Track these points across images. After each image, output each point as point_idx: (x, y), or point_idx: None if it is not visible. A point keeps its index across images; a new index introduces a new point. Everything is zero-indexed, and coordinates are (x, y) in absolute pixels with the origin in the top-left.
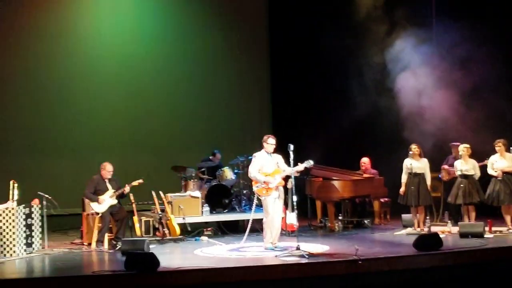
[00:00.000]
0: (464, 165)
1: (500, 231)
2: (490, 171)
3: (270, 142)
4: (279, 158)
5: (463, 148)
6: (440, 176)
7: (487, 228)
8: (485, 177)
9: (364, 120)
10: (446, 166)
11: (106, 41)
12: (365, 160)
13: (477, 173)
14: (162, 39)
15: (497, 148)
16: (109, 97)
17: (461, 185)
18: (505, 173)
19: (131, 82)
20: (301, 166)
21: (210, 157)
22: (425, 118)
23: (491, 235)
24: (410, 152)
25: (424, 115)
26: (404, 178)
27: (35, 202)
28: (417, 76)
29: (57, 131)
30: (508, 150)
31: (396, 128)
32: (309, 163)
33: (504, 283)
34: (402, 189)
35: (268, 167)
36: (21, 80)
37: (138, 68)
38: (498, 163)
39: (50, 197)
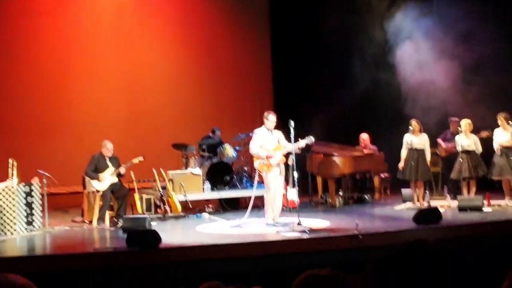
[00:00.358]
0: (466, 140)
1: (499, 205)
2: (494, 144)
3: (270, 118)
4: (279, 134)
5: (464, 124)
6: (437, 151)
7: (485, 202)
8: (487, 153)
9: (365, 96)
10: (442, 143)
11: (105, 18)
12: (364, 136)
13: (478, 148)
14: (162, 18)
15: (498, 122)
16: (108, 74)
17: (461, 160)
18: (505, 147)
19: (131, 59)
20: (302, 143)
21: (210, 135)
22: (425, 93)
23: (489, 209)
24: (410, 128)
25: (424, 90)
26: (403, 153)
27: (35, 180)
28: (418, 51)
29: (57, 109)
30: (509, 124)
31: (396, 103)
32: (310, 139)
33: (502, 256)
34: (401, 164)
35: (269, 144)
36: (20, 58)
37: (138, 46)
38: (499, 137)
39: (50, 175)
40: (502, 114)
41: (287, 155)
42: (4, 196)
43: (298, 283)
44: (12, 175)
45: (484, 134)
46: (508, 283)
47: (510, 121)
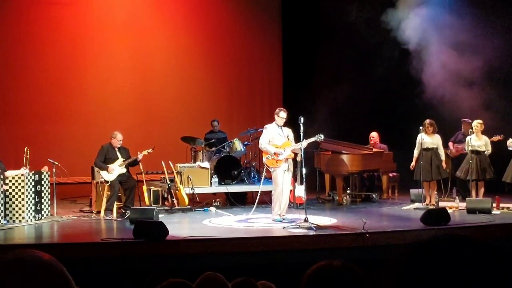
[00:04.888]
0: (477, 141)
1: (508, 208)
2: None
3: (281, 115)
4: (289, 131)
5: (476, 124)
6: (447, 152)
7: (494, 205)
8: (496, 155)
9: (377, 94)
10: (451, 146)
11: (117, 11)
12: (373, 135)
13: (488, 150)
14: (174, 10)
15: None
16: (120, 66)
17: (471, 161)
18: None
19: (144, 52)
20: (311, 140)
21: (212, 128)
22: (438, 94)
23: (498, 212)
24: (421, 128)
25: (438, 91)
26: (416, 153)
27: (45, 169)
28: (440, 51)
29: (68, 99)
30: None
31: (408, 103)
32: (320, 137)
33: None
34: (412, 164)
35: (278, 139)
36: (32, 47)
37: (151, 39)
38: None
39: (59, 165)
40: None
41: (295, 152)
42: (14, 184)
43: (310, 273)
44: (26, 163)
45: (496, 138)
46: None
47: None
